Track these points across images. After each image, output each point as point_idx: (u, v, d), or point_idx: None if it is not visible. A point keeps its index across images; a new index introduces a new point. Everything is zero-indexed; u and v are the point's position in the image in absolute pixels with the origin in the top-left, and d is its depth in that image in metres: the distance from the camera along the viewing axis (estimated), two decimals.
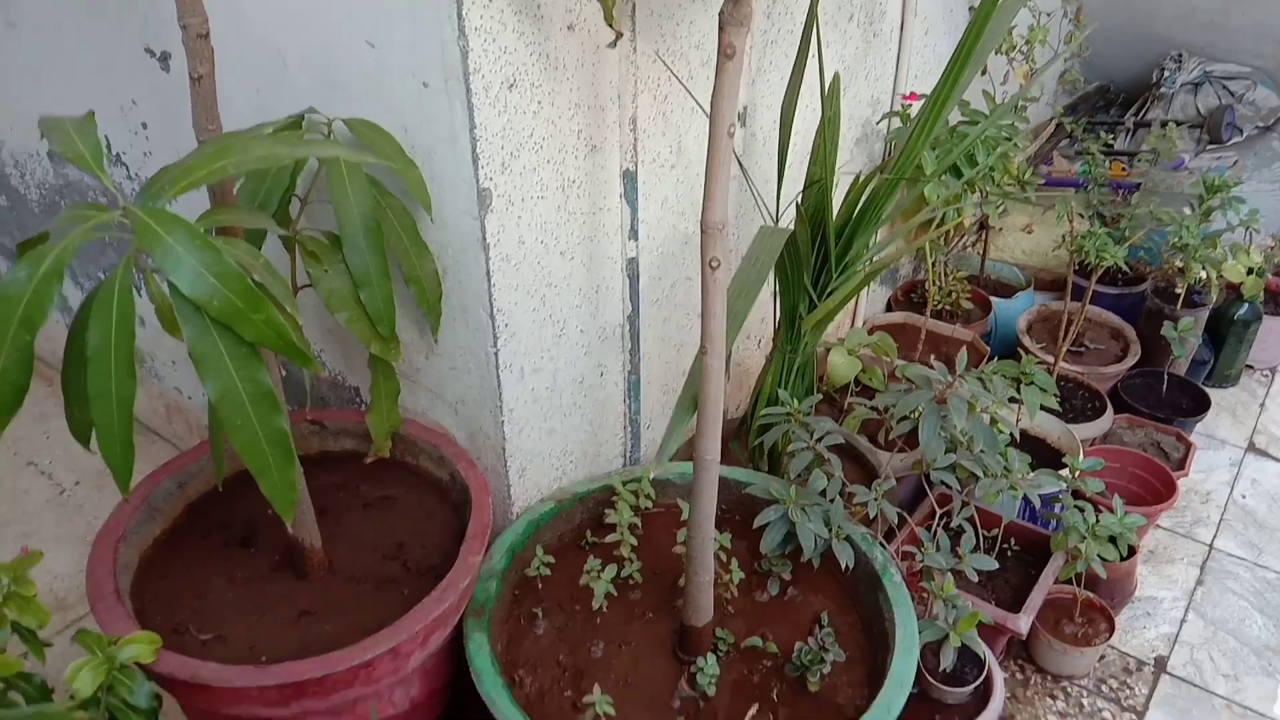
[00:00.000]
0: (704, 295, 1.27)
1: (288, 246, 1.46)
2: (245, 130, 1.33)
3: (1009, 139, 2.22)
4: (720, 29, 1.15)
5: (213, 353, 1.03)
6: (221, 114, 1.25)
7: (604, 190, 1.61)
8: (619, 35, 1.39)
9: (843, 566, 1.57)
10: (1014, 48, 2.63)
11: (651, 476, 1.82)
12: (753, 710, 1.47)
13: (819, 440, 1.68)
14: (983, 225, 2.90)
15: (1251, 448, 2.77)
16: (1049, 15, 2.84)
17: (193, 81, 1.20)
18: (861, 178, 1.72)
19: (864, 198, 1.68)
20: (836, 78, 1.65)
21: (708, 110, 1.22)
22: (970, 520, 1.72)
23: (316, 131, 1.42)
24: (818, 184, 1.65)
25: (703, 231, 1.22)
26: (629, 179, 1.63)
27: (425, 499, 1.75)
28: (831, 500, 1.62)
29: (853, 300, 2.60)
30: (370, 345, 1.46)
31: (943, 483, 1.68)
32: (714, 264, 1.23)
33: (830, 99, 1.64)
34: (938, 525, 1.79)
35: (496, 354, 1.56)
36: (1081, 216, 2.68)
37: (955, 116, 2.42)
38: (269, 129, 1.34)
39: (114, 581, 1.50)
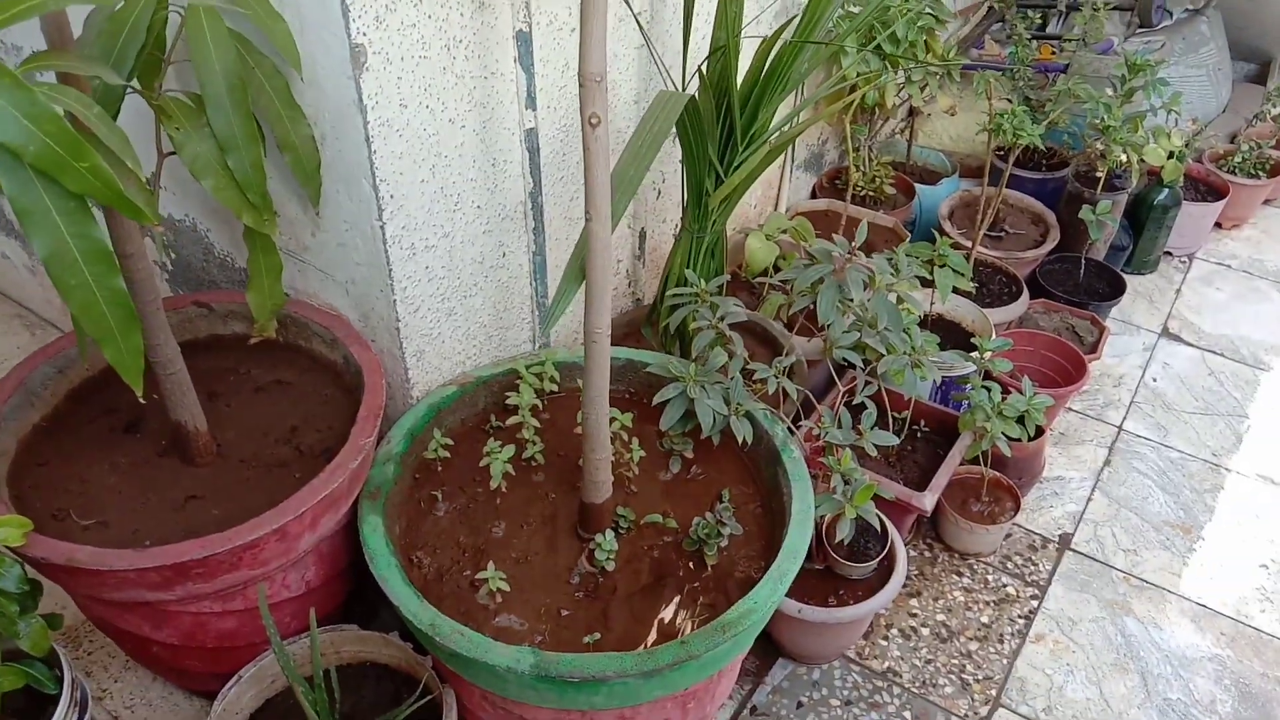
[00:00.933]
0: (585, 156, 1.20)
1: (153, 108, 1.36)
2: None
3: (931, 14, 2.15)
4: None
5: (37, 206, 0.95)
6: None
7: (495, 53, 1.51)
8: None
9: (740, 441, 1.55)
10: None
11: (556, 359, 1.78)
12: (673, 604, 1.47)
13: (721, 319, 1.64)
14: (911, 111, 2.84)
15: (1165, 332, 2.81)
16: None
17: None
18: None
19: (768, 63, 1.61)
20: None
21: None
22: (873, 397, 1.71)
23: None
24: (721, 50, 1.58)
25: (580, 85, 1.15)
26: (523, 41, 1.54)
27: (319, 383, 1.70)
28: (732, 378, 1.60)
29: (776, 186, 2.54)
30: (242, 216, 1.37)
31: (845, 360, 1.66)
32: (593, 120, 1.16)
33: None
34: (840, 403, 1.78)
35: (383, 227, 1.48)
36: (1008, 101, 2.64)
37: None
38: None
39: None
